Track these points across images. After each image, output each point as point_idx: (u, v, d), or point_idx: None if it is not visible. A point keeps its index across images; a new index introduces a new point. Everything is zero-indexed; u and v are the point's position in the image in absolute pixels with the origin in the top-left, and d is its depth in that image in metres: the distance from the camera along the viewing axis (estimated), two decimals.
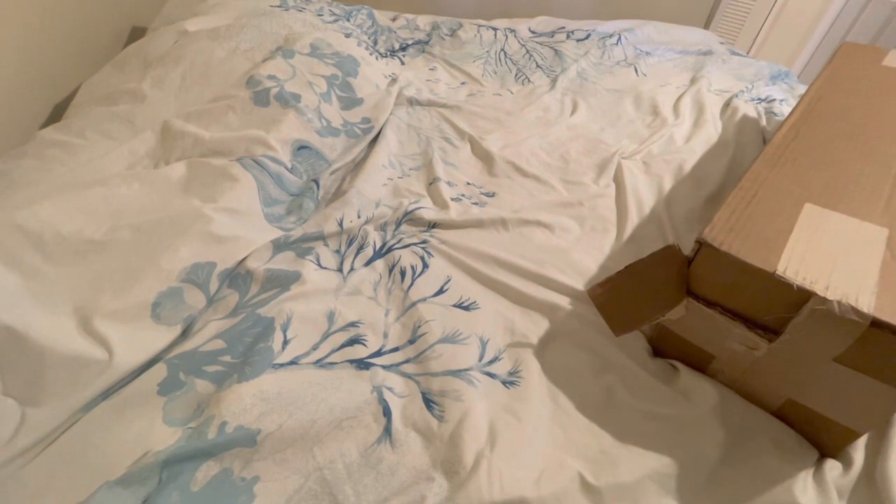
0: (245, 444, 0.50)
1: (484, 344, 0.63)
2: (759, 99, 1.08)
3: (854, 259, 0.46)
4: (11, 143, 0.86)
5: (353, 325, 0.63)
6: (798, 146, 0.62)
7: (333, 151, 0.90)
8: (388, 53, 1.25)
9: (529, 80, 1.21)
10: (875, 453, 0.51)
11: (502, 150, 0.95)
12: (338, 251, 0.74)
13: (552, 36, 1.32)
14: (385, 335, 0.63)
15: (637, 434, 0.54)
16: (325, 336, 0.62)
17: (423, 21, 1.38)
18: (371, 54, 1.16)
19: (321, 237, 0.75)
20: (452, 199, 0.84)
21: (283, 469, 0.50)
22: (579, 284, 0.68)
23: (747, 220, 0.50)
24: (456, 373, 0.59)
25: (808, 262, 0.46)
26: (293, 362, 0.58)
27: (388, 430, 0.53)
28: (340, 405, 0.54)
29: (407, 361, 0.61)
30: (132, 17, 1.22)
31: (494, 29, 1.31)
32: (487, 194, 0.87)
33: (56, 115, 0.99)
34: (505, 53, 1.27)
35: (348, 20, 1.22)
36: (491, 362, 0.61)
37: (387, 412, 0.54)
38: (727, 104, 1.08)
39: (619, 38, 1.29)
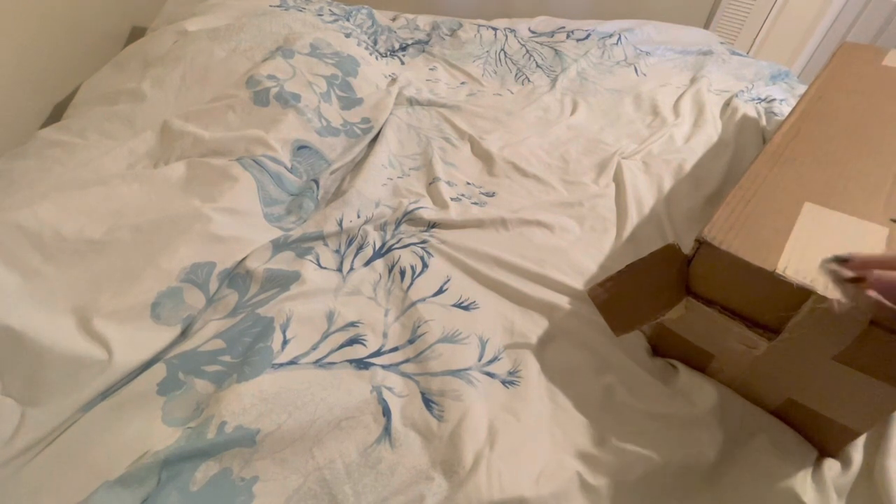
0: (244, 444, 0.50)
1: (483, 344, 0.63)
2: (759, 99, 1.08)
3: None
4: (11, 143, 0.86)
5: (352, 324, 0.63)
6: (798, 145, 0.62)
7: (333, 151, 0.90)
8: (388, 53, 1.25)
9: (529, 80, 1.21)
10: (874, 452, 0.51)
11: (502, 150, 0.95)
12: (337, 251, 0.74)
13: (552, 36, 1.32)
14: (384, 335, 0.63)
15: (637, 434, 0.54)
16: (325, 336, 0.62)
17: (423, 21, 1.38)
18: (371, 54, 1.16)
19: (321, 237, 0.75)
20: (452, 199, 0.83)
21: (282, 469, 0.50)
22: (579, 284, 0.68)
23: (747, 219, 0.50)
24: (455, 373, 0.59)
25: (807, 260, 0.45)
26: (293, 362, 0.58)
27: (387, 430, 0.53)
28: (340, 405, 0.54)
29: (406, 361, 0.61)
30: (132, 17, 1.22)
31: (494, 29, 1.32)
32: (487, 194, 0.87)
33: (56, 115, 0.99)
34: (505, 53, 1.27)
35: (348, 20, 1.23)
36: (490, 362, 0.61)
37: (386, 412, 0.54)
38: (727, 104, 1.08)
39: (619, 38, 1.29)
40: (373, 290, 0.69)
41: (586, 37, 1.31)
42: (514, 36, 1.31)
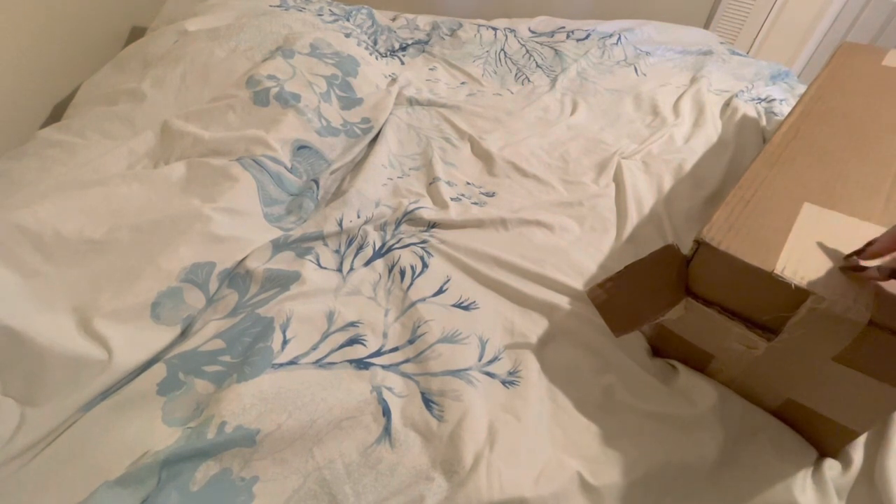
0: (244, 444, 0.50)
1: (483, 344, 0.63)
2: (758, 99, 1.08)
3: None
4: (11, 143, 0.86)
5: (352, 324, 0.63)
6: (797, 146, 0.62)
7: (333, 151, 0.90)
8: (388, 53, 1.25)
9: (529, 80, 1.21)
10: (874, 452, 0.51)
11: (502, 150, 0.95)
12: (337, 251, 0.74)
13: (552, 36, 1.32)
14: (384, 335, 0.63)
15: (636, 434, 0.54)
16: (325, 336, 0.62)
17: (423, 21, 1.38)
18: (371, 54, 1.16)
19: (321, 237, 0.75)
20: (452, 199, 0.84)
21: (282, 469, 0.50)
22: (579, 284, 0.68)
23: (746, 220, 0.50)
24: (455, 373, 0.59)
25: (806, 261, 0.46)
26: (293, 362, 0.58)
27: (387, 430, 0.53)
28: (340, 405, 0.54)
29: (406, 361, 0.61)
30: (132, 17, 1.22)
31: (494, 29, 1.32)
32: (487, 194, 0.87)
33: (56, 115, 0.99)
34: (505, 53, 1.27)
35: (348, 20, 1.23)
36: (490, 362, 0.61)
37: (386, 412, 0.54)
38: (727, 104, 1.08)
39: (619, 38, 1.29)
40: (373, 290, 0.69)
41: (586, 37, 1.31)
42: (514, 36, 1.31)
